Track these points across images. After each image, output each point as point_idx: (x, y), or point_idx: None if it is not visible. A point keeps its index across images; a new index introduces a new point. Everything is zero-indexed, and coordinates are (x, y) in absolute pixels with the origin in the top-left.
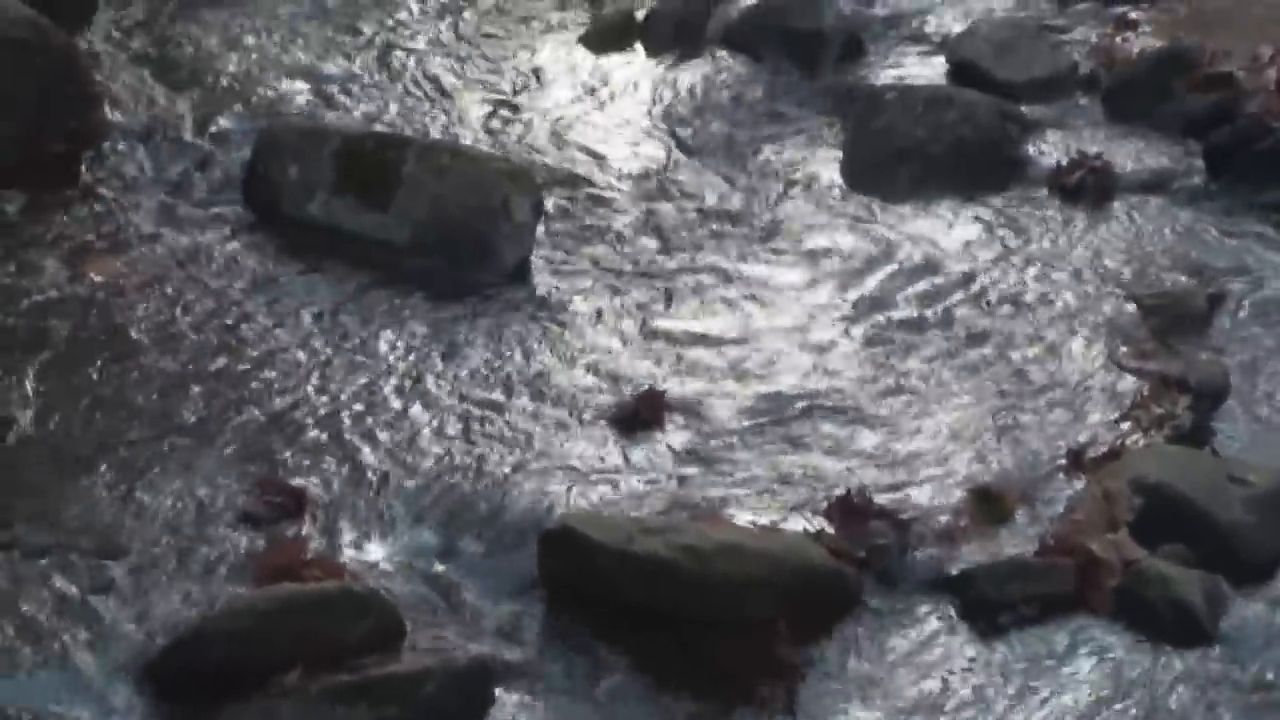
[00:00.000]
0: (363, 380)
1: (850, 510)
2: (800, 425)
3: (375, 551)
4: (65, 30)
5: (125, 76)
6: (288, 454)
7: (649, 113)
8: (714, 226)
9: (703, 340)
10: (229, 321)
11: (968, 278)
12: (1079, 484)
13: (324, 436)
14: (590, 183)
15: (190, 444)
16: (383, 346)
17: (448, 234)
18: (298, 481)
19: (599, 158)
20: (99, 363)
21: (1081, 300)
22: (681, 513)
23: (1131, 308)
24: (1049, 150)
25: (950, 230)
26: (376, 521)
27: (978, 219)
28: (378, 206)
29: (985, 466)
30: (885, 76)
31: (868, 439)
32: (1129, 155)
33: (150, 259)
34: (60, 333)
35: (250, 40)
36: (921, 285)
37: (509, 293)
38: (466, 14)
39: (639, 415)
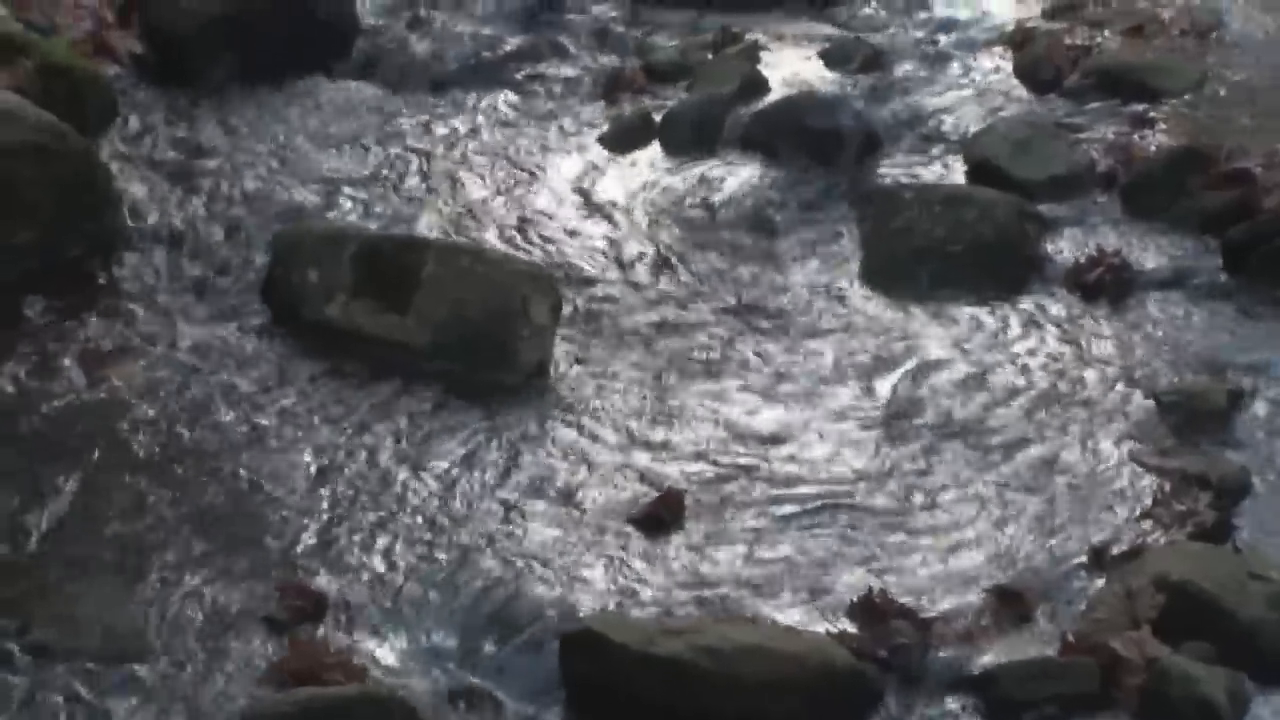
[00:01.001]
0: (382, 483)
1: (872, 610)
2: (821, 525)
3: (396, 654)
4: (85, 135)
5: (145, 181)
6: (308, 557)
7: (667, 213)
8: (732, 327)
9: (722, 441)
10: (248, 425)
11: (987, 376)
12: (1100, 582)
13: (344, 539)
14: (609, 283)
15: (210, 547)
16: (402, 449)
17: (467, 336)
18: (318, 584)
19: (618, 258)
20: (118, 466)
21: (1101, 397)
22: (703, 613)
23: (1151, 405)
24: (1067, 248)
25: (969, 328)
26: (397, 624)
27: (996, 317)
28: (397, 309)
29: (1006, 565)
30: (903, 175)
31: (888, 538)
32: (1147, 252)
33: (170, 362)
34: (80, 436)
35: (269, 144)
36: (941, 383)
37: (528, 394)
38: (484, 116)
39: (659, 515)
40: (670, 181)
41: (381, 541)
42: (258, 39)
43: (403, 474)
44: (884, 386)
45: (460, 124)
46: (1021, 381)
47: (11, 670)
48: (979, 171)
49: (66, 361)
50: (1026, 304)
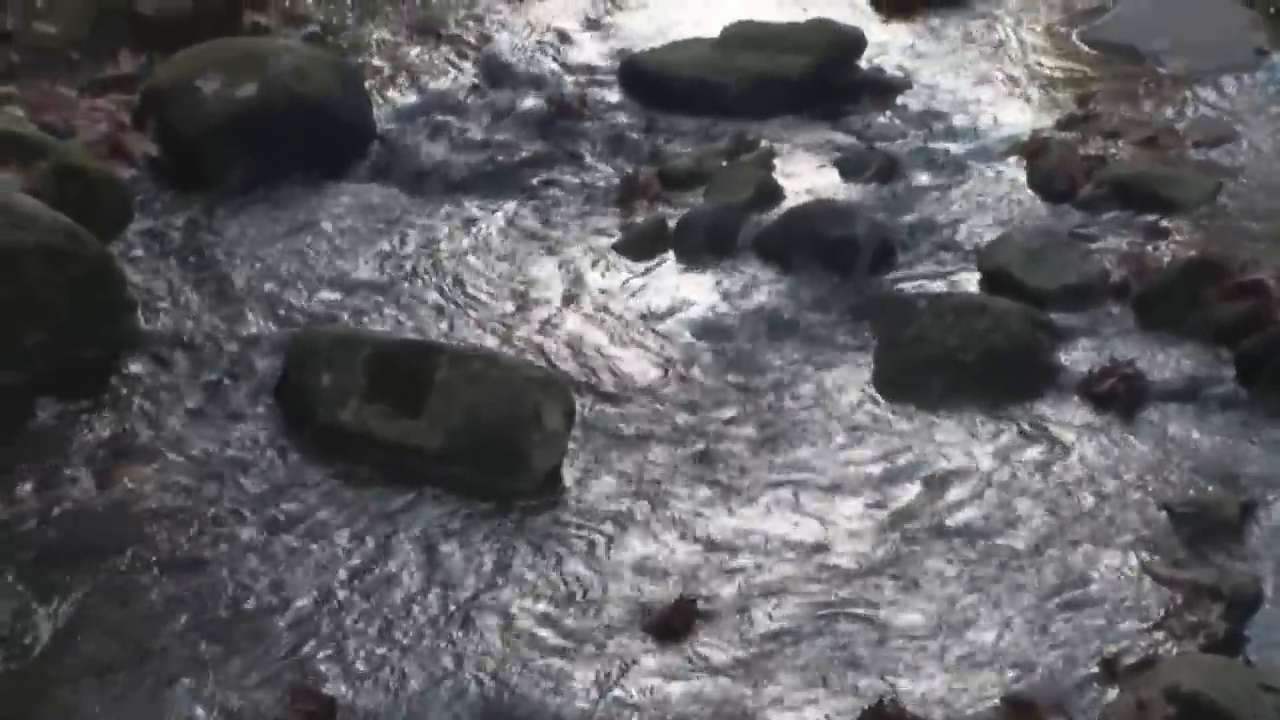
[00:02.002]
0: (393, 588)
1: (882, 719)
2: (832, 634)
3: None
4: (99, 237)
5: (159, 284)
6: (319, 662)
7: (681, 320)
8: (745, 434)
9: (733, 549)
10: (260, 530)
11: (999, 486)
12: (1112, 693)
13: (355, 645)
14: (622, 390)
15: (220, 652)
16: (412, 555)
17: (479, 441)
18: (329, 690)
19: (631, 365)
20: (127, 570)
21: (1113, 508)
22: None
23: (1163, 516)
24: (1080, 358)
25: (981, 438)
26: None
27: (1009, 427)
28: (410, 413)
29: (1018, 675)
30: (917, 284)
31: (899, 648)
32: (1160, 363)
33: (182, 466)
34: (90, 539)
35: (283, 247)
36: (953, 493)
37: (540, 501)
38: (499, 221)
39: (671, 624)
40: (684, 288)
41: (392, 647)
42: (273, 142)
43: (413, 580)
44: (895, 495)
45: (474, 229)
46: (1033, 491)
47: None
48: (992, 281)
49: (77, 464)
50: (1039, 413)
